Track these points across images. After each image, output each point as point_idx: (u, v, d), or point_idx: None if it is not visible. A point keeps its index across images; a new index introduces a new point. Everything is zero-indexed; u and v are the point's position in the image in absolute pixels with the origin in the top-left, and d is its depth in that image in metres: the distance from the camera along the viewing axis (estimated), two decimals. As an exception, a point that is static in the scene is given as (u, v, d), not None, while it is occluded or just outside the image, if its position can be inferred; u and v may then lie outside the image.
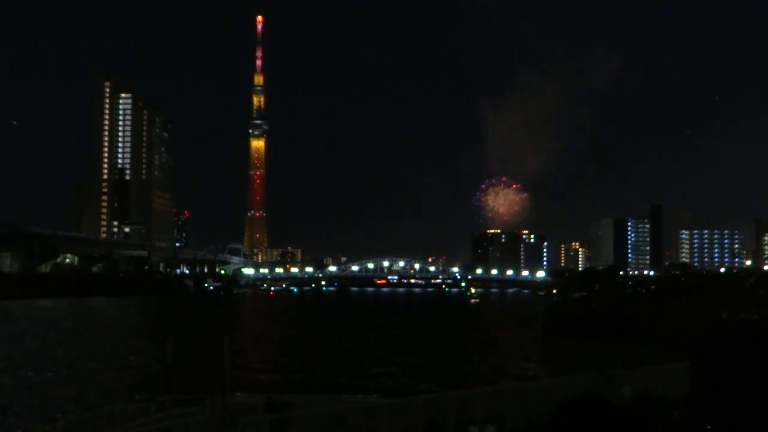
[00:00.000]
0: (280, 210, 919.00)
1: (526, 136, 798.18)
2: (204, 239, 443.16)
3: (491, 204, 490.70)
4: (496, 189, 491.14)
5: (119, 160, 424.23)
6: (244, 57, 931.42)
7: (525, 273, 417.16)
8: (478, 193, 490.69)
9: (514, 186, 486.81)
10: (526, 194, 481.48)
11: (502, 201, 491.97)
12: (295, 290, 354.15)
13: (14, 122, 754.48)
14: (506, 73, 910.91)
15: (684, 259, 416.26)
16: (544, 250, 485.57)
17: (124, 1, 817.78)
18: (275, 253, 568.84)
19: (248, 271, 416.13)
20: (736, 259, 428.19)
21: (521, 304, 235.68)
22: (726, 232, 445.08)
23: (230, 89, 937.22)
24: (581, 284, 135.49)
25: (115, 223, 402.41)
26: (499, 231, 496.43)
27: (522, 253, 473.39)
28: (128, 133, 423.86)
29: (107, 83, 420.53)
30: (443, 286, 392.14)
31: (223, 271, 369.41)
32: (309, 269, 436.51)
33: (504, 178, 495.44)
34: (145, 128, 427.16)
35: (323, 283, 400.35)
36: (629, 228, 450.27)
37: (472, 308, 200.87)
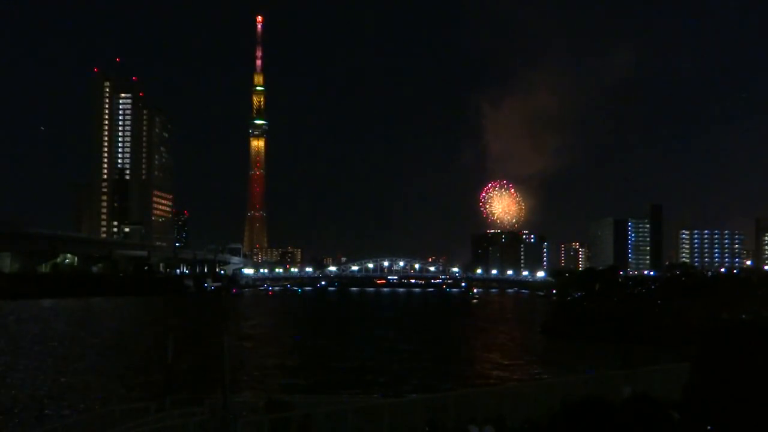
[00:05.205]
0: (280, 210, 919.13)
1: (527, 134, 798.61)
2: (204, 239, 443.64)
3: (491, 209, 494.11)
4: (496, 193, 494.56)
5: (119, 160, 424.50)
6: (244, 57, 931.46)
7: (525, 273, 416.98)
8: (479, 196, 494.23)
9: (512, 189, 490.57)
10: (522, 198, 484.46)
11: (502, 206, 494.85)
12: (299, 291, 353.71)
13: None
14: (507, 72, 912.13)
15: (684, 259, 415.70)
16: (544, 250, 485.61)
17: (124, 1, 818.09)
18: (275, 253, 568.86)
19: (248, 271, 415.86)
20: (736, 259, 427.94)
21: (521, 304, 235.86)
22: (726, 232, 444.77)
23: (230, 89, 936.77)
24: (581, 284, 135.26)
25: (115, 223, 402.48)
26: (499, 231, 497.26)
27: (522, 253, 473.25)
28: (128, 133, 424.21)
29: (107, 83, 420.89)
30: (443, 287, 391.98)
31: (222, 271, 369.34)
32: (309, 269, 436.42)
33: (504, 181, 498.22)
34: (145, 128, 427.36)
35: (323, 283, 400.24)
36: (629, 228, 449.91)
37: (472, 308, 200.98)
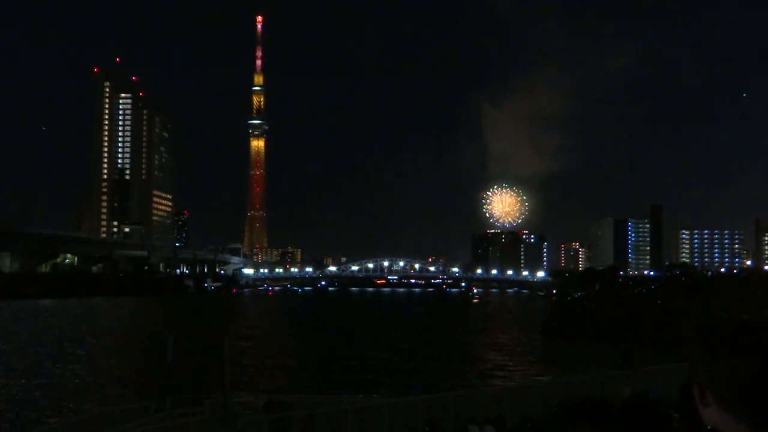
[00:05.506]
0: (280, 210, 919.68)
1: (527, 134, 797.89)
2: (204, 239, 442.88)
3: (491, 209, 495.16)
4: (495, 193, 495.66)
5: (119, 160, 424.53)
6: (244, 57, 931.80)
7: (525, 273, 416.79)
8: (479, 196, 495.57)
9: (512, 189, 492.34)
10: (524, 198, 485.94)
11: (502, 206, 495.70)
12: (300, 291, 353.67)
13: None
14: (507, 72, 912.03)
15: (684, 259, 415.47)
16: (544, 250, 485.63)
17: (124, 1, 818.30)
18: (275, 253, 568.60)
19: (248, 271, 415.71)
20: (736, 259, 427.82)
21: (521, 304, 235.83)
22: (726, 232, 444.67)
23: (230, 89, 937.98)
24: (581, 284, 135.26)
25: (115, 223, 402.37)
26: (499, 231, 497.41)
27: (522, 253, 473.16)
28: (128, 133, 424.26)
29: (107, 83, 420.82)
30: (443, 287, 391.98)
31: (223, 271, 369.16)
32: (309, 269, 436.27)
33: (504, 181, 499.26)
34: (145, 128, 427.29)
35: (323, 283, 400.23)
36: (629, 228, 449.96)
37: (472, 308, 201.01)
